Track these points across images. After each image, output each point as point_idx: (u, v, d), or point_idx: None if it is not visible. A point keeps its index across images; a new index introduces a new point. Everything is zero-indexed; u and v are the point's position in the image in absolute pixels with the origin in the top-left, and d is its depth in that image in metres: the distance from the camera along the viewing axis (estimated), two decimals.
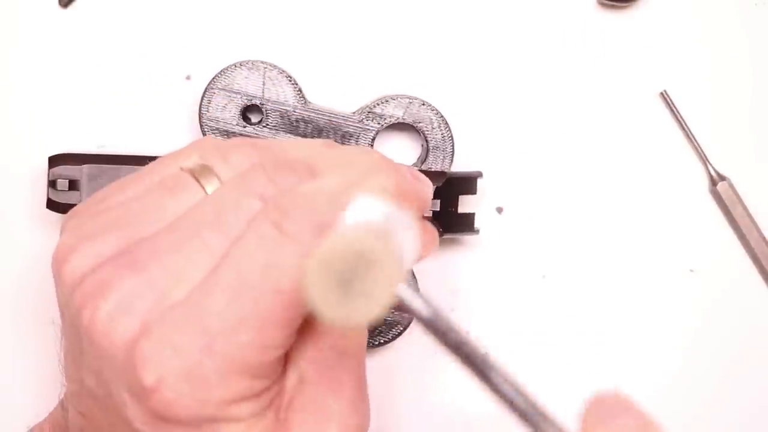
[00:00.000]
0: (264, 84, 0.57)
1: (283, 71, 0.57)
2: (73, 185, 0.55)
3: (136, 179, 0.43)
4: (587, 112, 0.60)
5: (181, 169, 0.43)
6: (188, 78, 0.60)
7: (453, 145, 0.58)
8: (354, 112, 0.58)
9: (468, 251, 0.60)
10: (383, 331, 0.57)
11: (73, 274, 0.40)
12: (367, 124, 0.57)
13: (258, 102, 0.57)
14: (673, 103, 0.60)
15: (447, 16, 0.60)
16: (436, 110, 0.58)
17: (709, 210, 0.60)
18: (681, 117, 0.60)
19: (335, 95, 0.59)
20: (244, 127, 0.57)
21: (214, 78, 0.57)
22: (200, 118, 0.57)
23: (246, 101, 0.57)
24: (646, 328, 0.60)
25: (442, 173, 0.57)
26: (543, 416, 0.36)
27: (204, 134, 0.57)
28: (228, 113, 0.57)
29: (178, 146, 0.46)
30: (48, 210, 0.55)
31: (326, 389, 0.41)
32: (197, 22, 0.60)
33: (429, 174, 0.57)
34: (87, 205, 0.43)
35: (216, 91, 0.57)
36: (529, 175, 0.60)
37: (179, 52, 0.60)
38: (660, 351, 0.60)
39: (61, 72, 0.59)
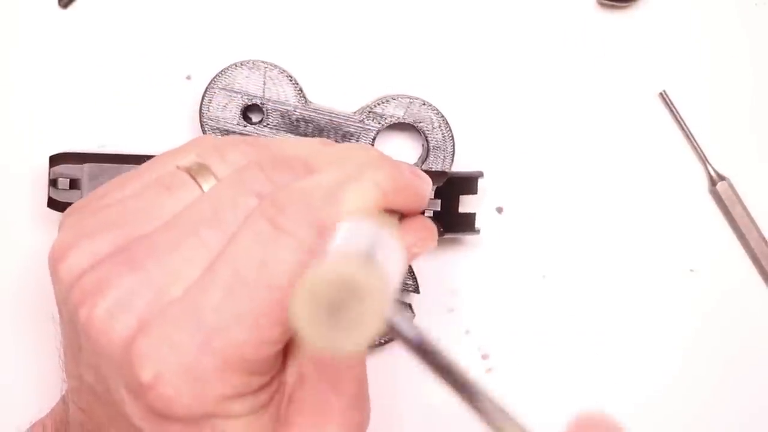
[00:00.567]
0: (265, 84, 0.57)
1: (284, 71, 0.57)
2: (74, 184, 0.55)
3: (133, 177, 0.43)
4: (587, 112, 0.60)
5: (178, 167, 0.43)
6: (188, 78, 0.60)
7: (454, 145, 0.58)
8: (355, 112, 0.58)
9: (468, 251, 0.60)
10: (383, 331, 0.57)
11: (71, 272, 0.40)
12: (367, 124, 0.57)
13: (258, 102, 0.57)
14: (672, 104, 0.60)
15: (447, 16, 0.60)
16: (437, 110, 0.58)
17: (708, 210, 0.60)
18: (680, 117, 0.60)
19: (336, 95, 0.59)
20: (245, 126, 0.57)
21: (214, 77, 0.57)
22: (201, 117, 0.57)
23: (246, 101, 0.57)
24: (646, 328, 0.60)
25: (442, 173, 0.57)
26: None
27: (204, 134, 0.57)
28: (228, 113, 0.57)
29: (178, 146, 0.46)
30: (49, 209, 0.55)
31: (326, 386, 0.41)
32: (197, 22, 0.60)
33: (430, 174, 0.57)
34: (84, 203, 0.43)
35: (217, 90, 0.57)
36: (529, 175, 0.60)
37: (179, 52, 0.60)
38: (660, 351, 0.60)
39: (61, 72, 0.59)
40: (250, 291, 0.38)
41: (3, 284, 0.59)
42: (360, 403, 0.42)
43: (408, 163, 0.47)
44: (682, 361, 0.60)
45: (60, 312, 0.43)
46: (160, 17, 0.60)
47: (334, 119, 0.57)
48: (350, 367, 0.42)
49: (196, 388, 0.38)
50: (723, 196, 0.60)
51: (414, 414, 0.60)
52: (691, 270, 0.60)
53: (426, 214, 0.56)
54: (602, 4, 0.60)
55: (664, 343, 0.60)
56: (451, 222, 0.57)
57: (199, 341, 0.38)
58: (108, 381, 0.40)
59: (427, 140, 0.58)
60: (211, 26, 0.60)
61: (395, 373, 0.60)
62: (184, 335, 0.38)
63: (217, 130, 0.57)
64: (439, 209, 0.56)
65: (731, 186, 0.60)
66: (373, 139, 0.58)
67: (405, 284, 0.57)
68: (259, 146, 0.44)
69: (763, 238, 0.60)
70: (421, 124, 0.58)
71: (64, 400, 0.47)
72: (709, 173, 0.60)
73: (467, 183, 0.57)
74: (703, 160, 0.60)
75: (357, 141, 0.57)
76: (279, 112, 0.57)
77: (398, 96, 0.58)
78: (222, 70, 0.57)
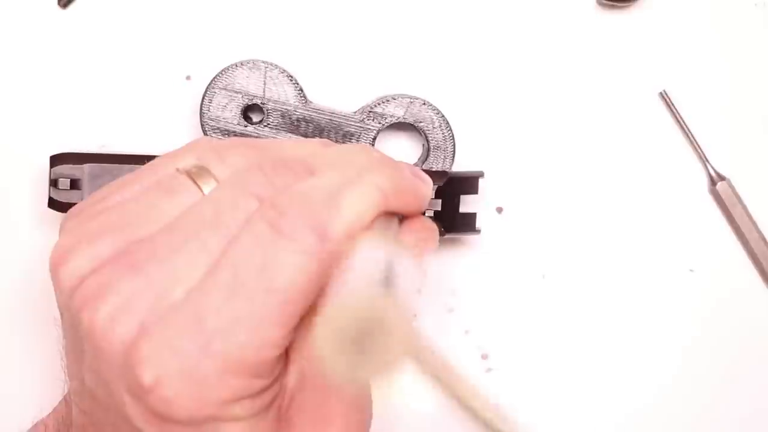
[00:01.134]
0: (265, 83, 0.57)
1: (284, 71, 0.57)
2: (74, 184, 0.55)
3: (133, 180, 0.43)
4: (587, 112, 0.60)
5: (178, 170, 0.43)
6: (188, 78, 0.60)
7: (454, 145, 0.58)
8: (355, 112, 0.58)
9: (468, 251, 0.60)
10: None
11: (72, 277, 0.40)
12: (368, 124, 0.57)
13: (259, 101, 0.57)
14: (672, 103, 0.60)
15: (448, 16, 0.60)
16: (437, 110, 0.58)
17: (708, 210, 0.60)
18: (680, 117, 0.60)
19: (336, 95, 0.59)
20: (245, 126, 0.57)
21: (215, 77, 0.57)
22: (201, 117, 0.57)
23: (247, 101, 0.57)
24: (646, 328, 0.60)
25: (443, 173, 0.57)
26: None
27: (205, 134, 0.57)
28: (229, 112, 0.57)
29: (178, 145, 0.46)
30: (49, 209, 0.55)
31: (326, 391, 0.41)
32: (197, 22, 0.60)
33: (430, 174, 0.57)
34: (84, 206, 0.43)
35: (217, 90, 0.57)
36: (529, 175, 0.60)
37: (179, 52, 0.60)
38: (660, 351, 0.60)
39: (61, 72, 0.59)
40: (250, 294, 0.38)
41: (4, 284, 0.59)
42: (361, 403, 0.42)
43: (409, 164, 0.47)
44: (682, 361, 0.60)
45: (62, 316, 0.43)
46: (160, 17, 0.60)
47: (334, 119, 0.57)
48: None
49: (197, 391, 0.38)
50: (723, 196, 0.60)
51: (414, 414, 0.60)
52: (691, 270, 0.60)
53: (427, 214, 0.56)
54: (602, 4, 0.60)
55: (664, 343, 0.60)
56: (452, 222, 0.57)
57: (200, 344, 0.38)
58: (110, 384, 0.40)
59: (427, 140, 0.58)
60: (211, 26, 0.60)
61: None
62: (184, 338, 0.38)
63: (218, 130, 0.57)
64: (439, 209, 0.56)
65: (731, 186, 0.60)
66: (374, 139, 0.57)
67: None
68: (259, 148, 0.44)
69: (763, 238, 0.60)
70: (422, 123, 0.58)
71: (66, 400, 0.47)
72: (709, 173, 0.60)
73: (468, 183, 0.57)
74: (703, 160, 0.60)
75: (357, 141, 0.57)
76: (279, 112, 0.57)
77: (399, 96, 0.58)
78: (222, 70, 0.57)
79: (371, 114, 0.58)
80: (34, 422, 0.50)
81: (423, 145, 0.58)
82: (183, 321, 0.38)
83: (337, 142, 0.57)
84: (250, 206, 0.40)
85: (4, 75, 0.59)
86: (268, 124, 0.57)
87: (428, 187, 0.47)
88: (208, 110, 0.57)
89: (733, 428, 0.61)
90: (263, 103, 0.57)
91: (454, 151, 0.58)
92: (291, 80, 0.57)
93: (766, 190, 0.60)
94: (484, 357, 0.60)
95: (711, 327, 0.60)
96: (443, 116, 0.58)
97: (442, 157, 0.58)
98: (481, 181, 0.57)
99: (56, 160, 0.55)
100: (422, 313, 0.59)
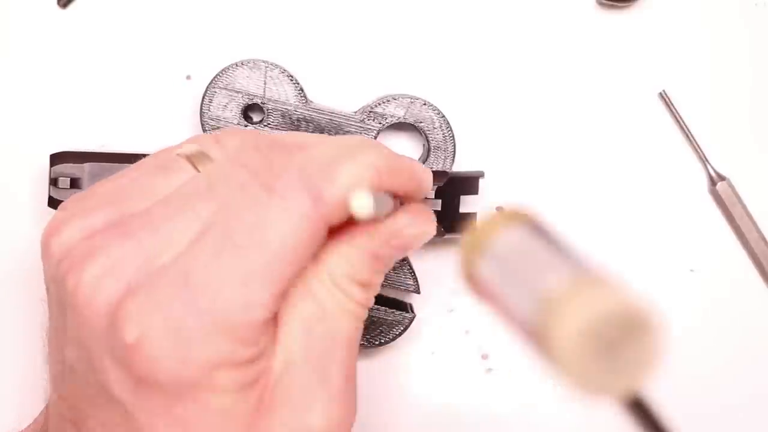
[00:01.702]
0: (265, 83, 0.57)
1: (285, 70, 0.57)
2: (74, 183, 0.55)
3: (135, 167, 0.44)
4: (587, 112, 0.60)
5: (177, 154, 0.43)
6: (188, 78, 0.60)
7: (454, 145, 0.58)
8: (355, 112, 0.58)
9: None
10: (383, 331, 0.57)
11: (62, 246, 0.40)
12: (368, 124, 0.57)
13: (259, 101, 0.57)
14: (672, 103, 0.60)
15: (448, 16, 0.60)
16: (438, 110, 0.58)
17: (708, 210, 0.60)
18: (680, 117, 0.60)
19: (336, 94, 0.59)
20: (246, 126, 0.57)
21: (215, 77, 0.57)
22: (201, 117, 0.57)
23: (247, 100, 0.57)
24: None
25: (443, 173, 0.57)
26: None
27: (205, 132, 0.57)
28: (229, 112, 0.57)
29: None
30: (49, 208, 0.55)
31: (313, 377, 0.41)
32: (197, 22, 0.60)
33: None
34: (84, 191, 0.43)
35: (217, 90, 0.57)
36: (529, 175, 0.60)
37: (179, 52, 0.60)
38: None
39: (61, 72, 0.59)
40: (239, 251, 0.38)
41: (3, 284, 0.59)
42: (345, 397, 0.42)
43: (407, 157, 0.47)
44: (682, 361, 0.60)
45: (48, 291, 0.42)
46: (160, 17, 0.60)
47: (334, 119, 0.57)
48: (339, 361, 0.41)
49: (181, 351, 0.37)
50: (723, 196, 0.60)
51: (414, 414, 0.60)
52: (691, 270, 0.60)
53: None
54: (602, 4, 0.60)
55: (664, 343, 0.60)
56: (452, 222, 0.57)
57: (186, 300, 0.37)
58: (91, 352, 0.39)
59: (427, 140, 0.58)
60: (211, 26, 0.60)
61: (395, 373, 0.60)
62: (170, 295, 0.37)
63: (218, 130, 0.57)
64: (439, 209, 0.56)
65: (731, 186, 0.60)
66: (374, 139, 0.57)
67: (405, 284, 0.57)
68: (256, 134, 0.44)
69: (763, 238, 0.60)
70: (422, 124, 0.58)
71: (45, 411, 0.46)
72: (709, 173, 0.60)
73: (468, 183, 0.57)
74: (703, 160, 0.60)
75: None
76: (280, 112, 0.57)
77: (399, 96, 0.58)
78: (222, 70, 0.57)
79: (371, 114, 0.58)
80: None
81: (423, 145, 0.58)
82: (170, 279, 0.38)
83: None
84: (245, 178, 0.40)
85: (4, 75, 0.59)
86: (269, 123, 0.57)
87: (427, 176, 0.47)
88: (209, 110, 0.57)
89: (732, 427, 0.61)
90: (263, 103, 0.57)
91: (454, 151, 0.58)
92: (291, 80, 0.57)
93: (766, 190, 0.60)
94: (484, 357, 0.60)
95: (711, 327, 0.60)
96: (444, 116, 0.58)
97: (443, 157, 0.58)
98: (481, 181, 0.57)
99: (56, 158, 0.55)
100: (422, 313, 0.59)
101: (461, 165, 0.59)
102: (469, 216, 0.57)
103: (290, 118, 0.57)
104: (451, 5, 0.60)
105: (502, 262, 0.32)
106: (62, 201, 0.54)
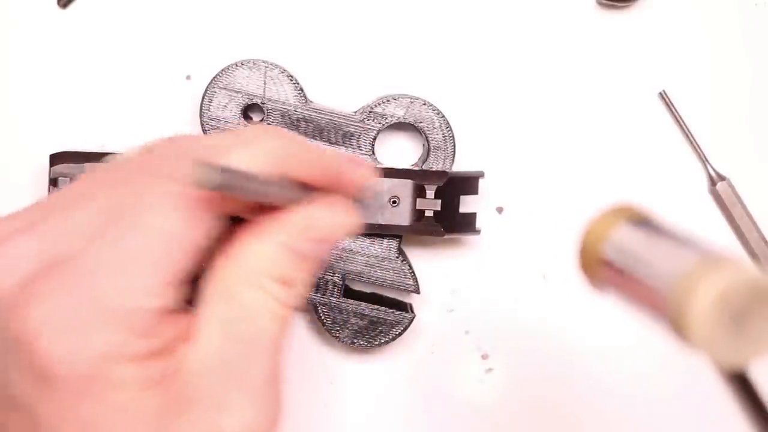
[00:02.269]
0: (265, 83, 0.57)
1: (285, 70, 0.57)
2: None
3: None
4: (587, 112, 0.60)
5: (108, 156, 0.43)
6: (188, 78, 0.60)
7: (454, 145, 0.58)
8: (355, 112, 0.58)
9: (468, 251, 0.60)
10: (383, 331, 0.57)
11: None
12: (368, 124, 0.57)
13: (259, 101, 0.57)
14: (672, 103, 0.60)
15: (448, 16, 0.60)
16: (438, 110, 0.58)
17: (708, 210, 0.60)
18: (680, 117, 0.60)
19: (336, 94, 0.59)
20: (245, 126, 0.57)
21: (215, 77, 0.57)
22: (201, 117, 0.57)
23: (247, 100, 0.57)
24: (647, 328, 0.60)
25: (443, 173, 0.57)
26: None
27: (205, 133, 0.57)
28: (229, 112, 0.57)
29: None
30: None
31: (230, 378, 0.39)
32: (197, 22, 0.60)
33: (430, 174, 0.57)
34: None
35: (217, 90, 0.57)
36: (529, 175, 0.60)
37: (179, 52, 0.60)
38: (660, 351, 0.60)
39: (62, 72, 0.59)
40: (120, 235, 0.37)
41: None
42: (264, 402, 0.40)
43: (342, 153, 0.46)
44: (683, 361, 0.60)
45: None
46: (160, 17, 0.60)
47: (334, 119, 0.57)
48: (259, 363, 0.40)
49: (74, 341, 0.36)
50: (723, 196, 0.60)
51: (413, 414, 0.60)
52: None
53: (427, 213, 0.56)
54: (601, 4, 0.60)
55: (664, 343, 0.60)
56: (452, 222, 0.57)
57: (79, 289, 0.37)
58: None
59: (427, 140, 0.58)
60: (211, 26, 0.60)
61: (395, 373, 0.60)
62: (65, 285, 0.37)
63: (218, 129, 0.57)
64: (439, 209, 0.56)
65: (731, 186, 0.60)
66: (374, 139, 0.57)
67: (405, 284, 0.57)
68: (178, 140, 0.43)
69: (763, 238, 0.60)
70: (422, 124, 0.58)
71: None
72: (709, 173, 0.60)
73: (468, 183, 0.57)
74: (703, 160, 0.60)
75: (357, 140, 0.57)
76: (279, 112, 0.57)
77: (399, 96, 0.58)
78: (222, 70, 0.57)
79: (371, 114, 0.58)
80: None
81: (423, 145, 0.58)
82: (65, 268, 0.37)
83: (337, 142, 0.57)
84: (137, 165, 0.40)
85: (5, 74, 0.59)
86: (268, 123, 0.57)
87: (357, 168, 0.45)
88: (208, 110, 0.57)
89: (733, 427, 0.61)
90: (263, 103, 0.57)
91: (454, 151, 0.58)
92: (291, 80, 0.57)
93: (766, 190, 0.60)
94: (484, 357, 0.60)
95: None
96: (443, 116, 0.58)
97: (443, 157, 0.58)
98: (481, 181, 0.57)
99: (56, 159, 0.56)
100: (422, 313, 0.59)
101: (461, 165, 0.59)
102: (469, 216, 0.57)
103: (290, 118, 0.57)
104: (451, 5, 0.60)
105: (628, 251, 0.35)
106: None
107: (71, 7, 0.60)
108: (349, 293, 0.58)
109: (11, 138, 0.59)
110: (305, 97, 0.57)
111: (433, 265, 0.60)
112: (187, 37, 0.60)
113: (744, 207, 0.60)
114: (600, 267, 0.36)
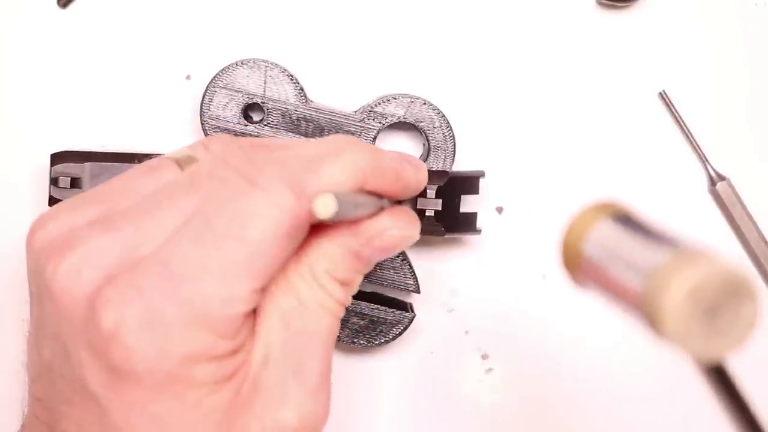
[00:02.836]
0: (265, 83, 0.57)
1: (285, 70, 0.57)
2: (75, 183, 0.55)
3: (127, 171, 0.44)
4: (587, 112, 0.60)
5: (166, 157, 0.43)
6: (188, 78, 0.60)
7: (454, 145, 0.58)
8: (355, 111, 0.58)
9: (468, 251, 0.60)
10: (383, 331, 0.57)
11: (44, 239, 0.40)
12: (368, 123, 0.57)
13: (259, 101, 0.57)
14: (672, 103, 0.60)
15: (448, 15, 0.60)
16: (438, 110, 0.58)
17: (708, 210, 0.60)
18: (680, 117, 0.60)
19: (337, 94, 0.59)
20: (246, 125, 0.57)
21: (215, 76, 0.57)
22: (201, 116, 0.57)
23: (247, 100, 0.57)
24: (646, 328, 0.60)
25: (443, 173, 0.57)
26: None
27: (205, 133, 0.57)
28: (229, 112, 0.57)
29: (178, 145, 0.46)
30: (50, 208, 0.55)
31: (289, 371, 0.41)
32: (197, 22, 0.60)
33: (431, 173, 0.57)
34: (78, 194, 0.43)
35: (217, 89, 0.57)
36: (529, 175, 0.60)
37: (179, 52, 0.60)
38: (660, 351, 0.60)
39: (62, 72, 0.59)
40: (219, 243, 0.38)
41: (3, 284, 0.59)
42: (319, 394, 0.42)
43: (397, 152, 0.47)
44: (682, 361, 0.60)
45: (30, 286, 0.42)
46: (160, 17, 0.60)
47: (334, 118, 0.57)
48: (315, 357, 0.41)
49: (159, 340, 0.37)
50: (723, 196, 0.60)
51: (413, 414, 0.60)
52: None
53: (427, 214, 0.56)
54: (602, 4, 0.60)
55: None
56: (453, 222, 0.57)
57: (166, 290, 0.37)
58: (67, 346, 0.39)
59: (428, 140, 0.58)
60: (211, 26, 0.60)
61: (395, 373, 0.60)
62: (150, 284, 0.37)
63: (218, 129, 0.57)
64: (440, 209, 0.56)
65: (731, 186, 0.60)
66: (374, 139, 0.57)
67: (405, 284, 0.57)
68: (241, 137, 0.45)
69: (763, 238, 0.60)
70: (422, 123, 0.58)
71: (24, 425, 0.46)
72: (709, 173, 0.60)
73: (468, 183, 0.57)
74: (703, 160, 0.60)
75: None
76: (279, 111, 0.57)
77: (399, 95, 0.58)
78: (223, 69, 0.57)
79: (372, 114, 0.58)
80: None
81: (423, 145, 0.58)
82: (150, 269, 0.38)
83: None
84: (227, 172, 0.40)
85: (5, 74, 0.59)
86: (269, 123, 0.57)
87: (417, 172, 0.46)
88: (209, 109, 0.57)
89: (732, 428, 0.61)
90: (263, 103, 0.57)
91: (454, 151, 0.58)
92: (291, 79, 0.57)
93: (766, 190, 0.60)
94: (484, 357, 0.60)
95: None
96: (444, 116, 0.58)
97: (443, 157, 0.58)
98: (481, 181, 0.57)
99: (57, 158, 0.56)
100: (422, 313, 0.59)
101: (461, 165, 0.59)
102: (469, 215, 0.57)
103: (290, 118, 0.57)
104: (451, 5, 0.60)
105: (606, 247, 0.35)
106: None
107: (71, 7, 0.60)
108: None
109: (11, 138, 0.59)
110: (305, 97, 0.57)
111: (433, 265, 0.60)
112: (187, 37, 0.60)
113: (744, 207, 0.60)
114: (580, 263, 0.37)
